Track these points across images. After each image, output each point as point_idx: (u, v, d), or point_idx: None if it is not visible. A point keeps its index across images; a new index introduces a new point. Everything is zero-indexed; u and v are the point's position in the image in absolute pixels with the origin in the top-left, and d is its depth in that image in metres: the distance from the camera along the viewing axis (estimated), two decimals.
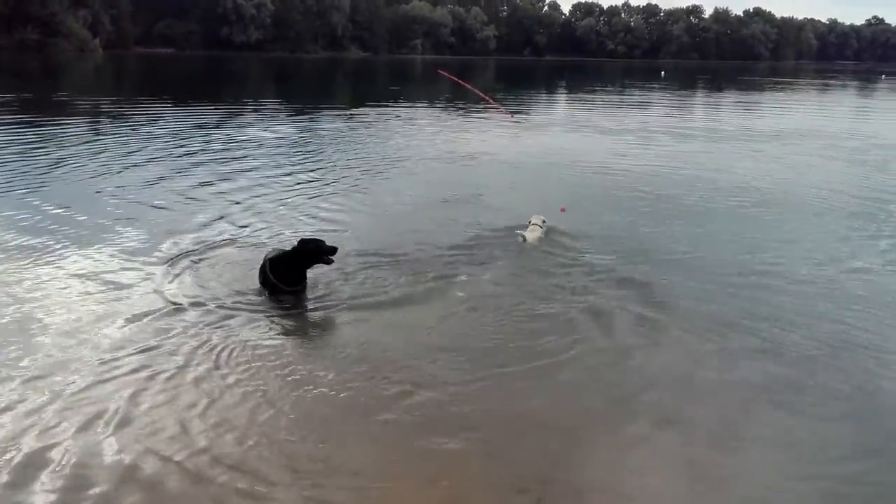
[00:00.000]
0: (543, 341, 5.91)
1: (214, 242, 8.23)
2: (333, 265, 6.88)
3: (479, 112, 24.43)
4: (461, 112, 25.50)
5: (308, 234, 7.30)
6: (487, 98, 21.23)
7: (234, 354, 5.49)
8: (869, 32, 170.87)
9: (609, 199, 11.33)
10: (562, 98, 40.33)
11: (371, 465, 4.30)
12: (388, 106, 26.89)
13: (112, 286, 6.78)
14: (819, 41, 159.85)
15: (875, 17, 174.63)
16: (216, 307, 6.36)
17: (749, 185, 12.81)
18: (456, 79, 22.11)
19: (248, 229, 8.92)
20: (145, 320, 6.02)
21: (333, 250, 6.70)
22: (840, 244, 9.03)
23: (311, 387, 5.09)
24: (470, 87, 21.54)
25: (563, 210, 9.69)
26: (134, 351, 5.46)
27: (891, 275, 7.91)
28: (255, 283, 6.85)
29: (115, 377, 5.07)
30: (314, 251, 6.64)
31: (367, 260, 7.69)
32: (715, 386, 5.35)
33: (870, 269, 8.05)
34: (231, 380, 5.14)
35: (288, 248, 6.89)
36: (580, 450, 4.53)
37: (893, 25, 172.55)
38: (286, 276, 6.62)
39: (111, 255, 7.68)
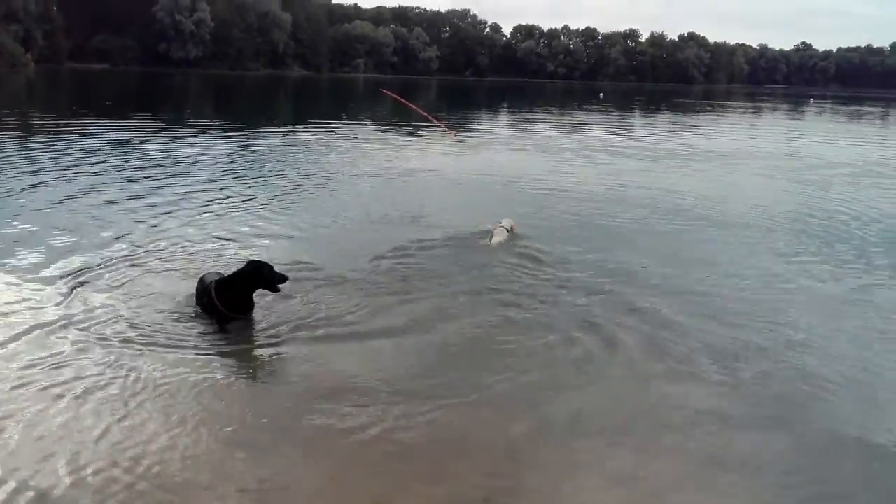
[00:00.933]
0: (493, 363, 5.87)
1: (111, 262, 7.85)
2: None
3: (422, 131, 24.46)
4: (404, 131, 25.50)
5: (236, 255, 7.09)
6: (431, 117, 21.31)
7: (131, 380, 5.23)
8: (797, 58, 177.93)
9: (551, 216, 11.41)
10: (504, 118, 40.77)
11: (309, 487, 4.20)
12: (329, 124, 26.68)
13: None
14: (750, 66, 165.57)
15: (803, 43, 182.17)
16: (111, 333, 5.99)
17: (690, 202, 13.07)
18: (399, 98, 22.15)
19: (154, 249, 8.48)
20: (28, 338, 5.75)
21: (284, 278, 6.27)
22: (785, 261, 9.27)
23: (230, 417, 4.96)
24: (413, 105, 21.61)
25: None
26: (17, 368, 5.26)
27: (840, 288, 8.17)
28: (156, 304, 6.58)
29: None
30: (268, 277, 6.18)
31: (304, 281, 7.43)
32: (660, 403, 5.38)
33: (810, 286, 8.28)
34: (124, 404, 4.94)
35: (206, 269, 6.66)
36: (525, 469, 4.49)
37: (821, 51, 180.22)
38: (235, 302, 6.16)
39: (1, 275, 7.34)
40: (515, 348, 6.15)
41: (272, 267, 6.30)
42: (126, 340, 5.83)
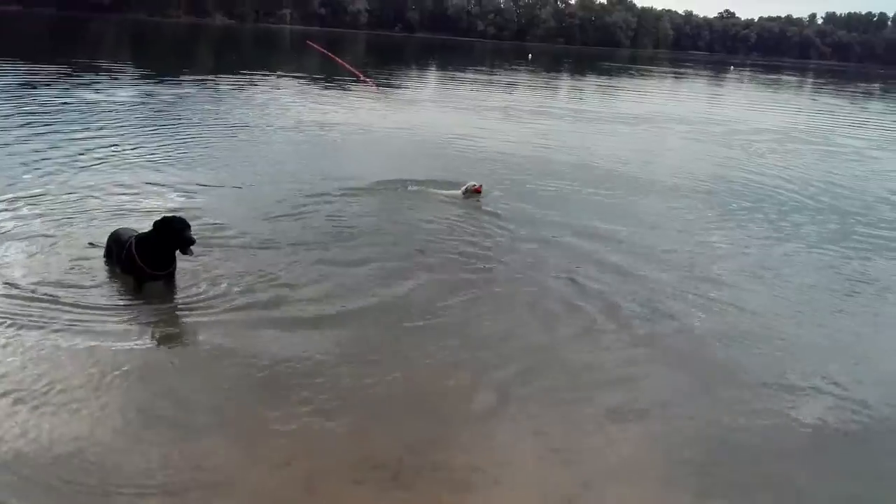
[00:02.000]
0: (412, 322, 5.82)
1: None
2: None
3: (347, 86, 23.91)
4: (329, 85, 24.89)
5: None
6: (355, 70, 20.79)
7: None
8: (720, 25, 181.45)
9: (478, 173, 11.31)
10: (433, 75, 40.28)
11: (220, 449, 4.07)
12: (249, 76, 25.73)
13: None
14: (675, 31, 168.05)
15: (727, 11, 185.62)
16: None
17: (617, 165, 13.22)
18: (325, 51, 21.49)
19: (40, 202, 7.95)
20: None
21: (191, 241, 5.80)
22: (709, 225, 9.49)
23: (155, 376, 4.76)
24: (339, 60, 21.02)
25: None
26: None
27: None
28: (56, 263, 6.22)
29: None
30: (180, 232, 5.73)
31: (223, 239, 7.18)
32: (568, 361, 5.44)
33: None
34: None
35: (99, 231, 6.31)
36: (439, 427, 4.48)
37: (743, 19, 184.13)
38: (155, 259, 5.80)
39: None
40: (444, 307, 6.11)
41: (188, 226, 5.87)
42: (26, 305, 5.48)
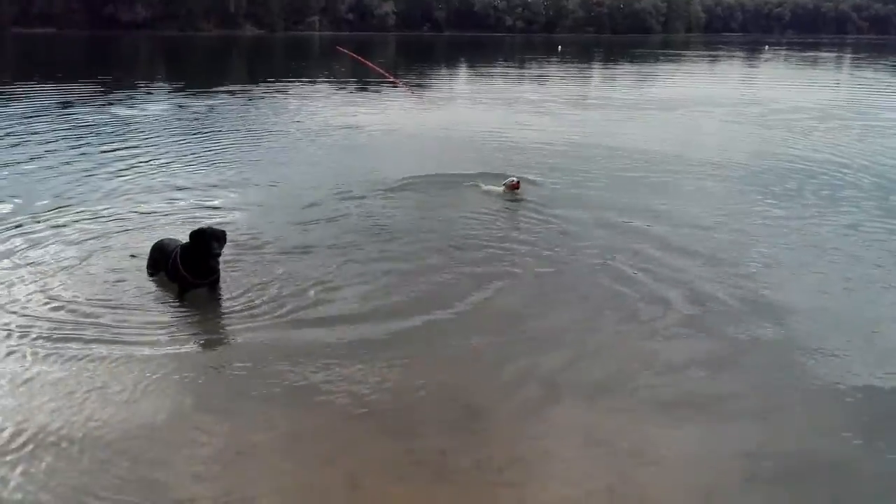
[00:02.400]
0: (455, 316, 5.82)
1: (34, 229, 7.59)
2: (229, 259, 6.35)
3: (379, 89, 24.00)
4: (361, 89, 25.03)
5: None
6: (387, 73, 20.86)
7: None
8: (753, 4, 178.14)
9: (516, 166, 11.26)
10: (463, 73, 40.23)
11: (264, 447, 4.13)
12: (281, 83, 25.98)
13: None
14: (707, 14, 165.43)
15: None
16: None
17: (653, 149, 13.05)
18: (355, 55, 21.60)
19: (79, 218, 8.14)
20: None
21: (215, 254, 5.90)
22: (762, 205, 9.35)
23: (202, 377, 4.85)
24: (369, 63, 21.10)
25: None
26: None
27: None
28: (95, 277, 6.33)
29: None
30: (208, 243, 5.82)
31: (266, 247, 7.25)
32: (614, 351, 5.39)
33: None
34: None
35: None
36: (479, 420, 4.47)
37: None
38: (196, 268, 5.92)
39: None
40: (489, 301, 6.13)
41: (220, 237, 5.96)
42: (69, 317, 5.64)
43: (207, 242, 5.86)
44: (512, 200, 8.94)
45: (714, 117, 18.66)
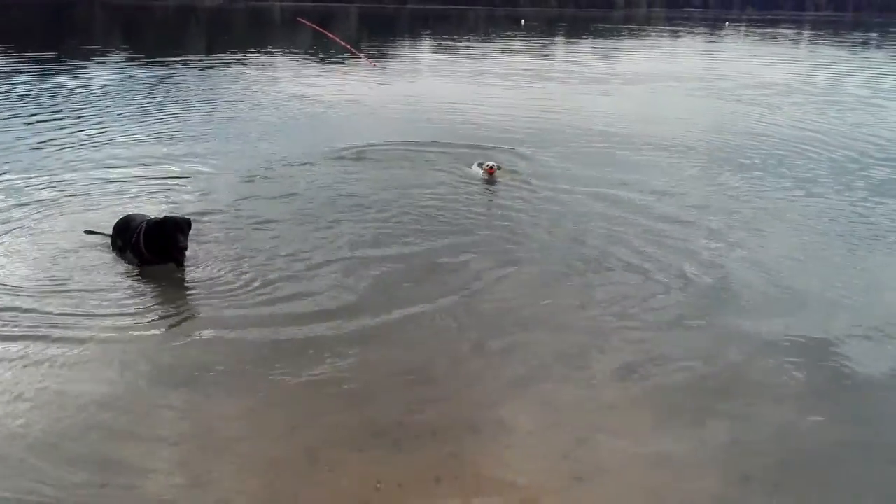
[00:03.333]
0: (402, 292, 5.79)
1: None
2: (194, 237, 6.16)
3: (341, 61, 23.69)
4: (323, 61, 24.65)
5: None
6: (348, 46, 20.54)
7: None
8: None
9: (478, 137, 11.22)
10: (426, 45, 39.86)
11: (222, 421, 4.11)
12: (239, 54, 25.43)
13: None
14: None
15: None
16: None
17: (623, 124, 13.08)
18: (316, 27, 21.22)
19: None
20: None
21: (181, 248, 5.82)
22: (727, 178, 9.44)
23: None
24: (331, 35, 20.73)
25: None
26: None
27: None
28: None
29: None
30: (171, 236, 5.76)
31: (223, 226, 7.05)
32: (573, 325, 5.41)
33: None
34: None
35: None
36: (437, 392, 4.50)
37: None
38: (157, 249, 5.86)
39: None
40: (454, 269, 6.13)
41: (184, 228, 5.86)
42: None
43: (172, 235, 5.76)
44: (488, 183, 8.72)
45: (684, 92, 18.73)
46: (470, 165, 9.13)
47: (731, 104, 16.19)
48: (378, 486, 3.60)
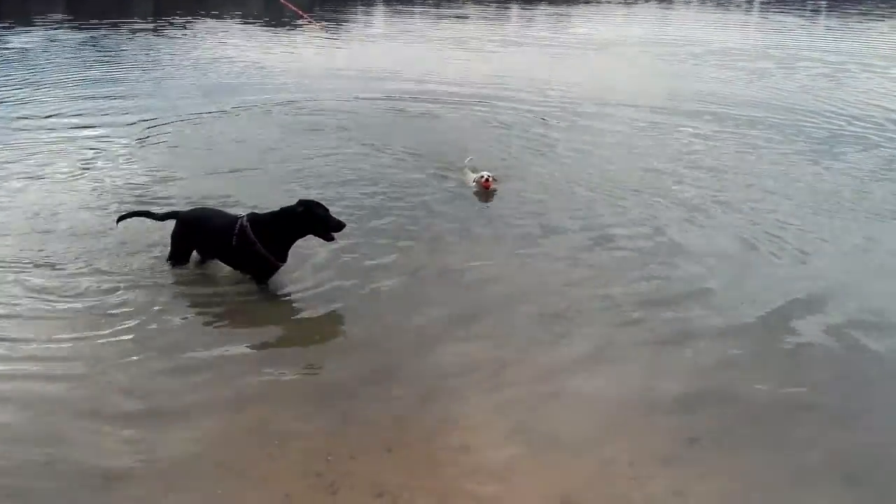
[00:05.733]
0: (374, 263, 5.76)
1: None
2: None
3: (290, 26, 23.10)
4: (272, 26, 24.01)
5: None
6: (297, 10, 20.01)
7: None
8: None
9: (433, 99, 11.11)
10: (380, 10, 39.12)
11: (165, 396, 4.08)
12: (187, 18, 24.49)
13: None
14: None
15: None
16: None
17: (591, 90, 12.94)
18: None
19: None
20: None
21: (341, 225, 5.07)
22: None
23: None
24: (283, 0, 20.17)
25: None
26: None
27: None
28: None
29: None
30: (321, 218, 5.01)
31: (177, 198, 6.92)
32: (527, 294, 5.44)
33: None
34: None
35: None
36: (389, 362, 4.50)
37: None
38: (278, 248, 5.11)
39: None
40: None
41: (327, 209, 5.14)
42: None
43: (324, 216, 5.03)
44: (482, 196, 7.45)
45: (647, 57, 18.24)
46: (462, 169, 7.89)
47: (709, 70, 15.79)
48: (329, 458, 3.58)
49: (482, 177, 7.28)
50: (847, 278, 5.74)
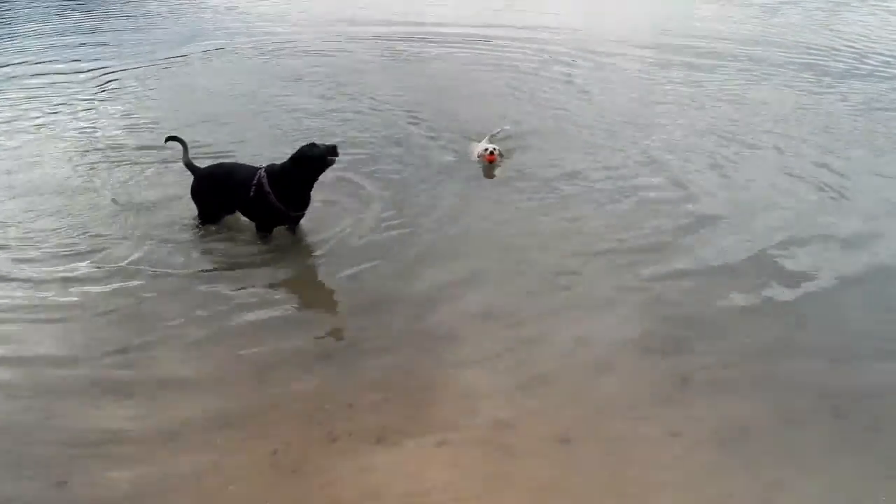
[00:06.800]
0: (373, 223, 5.62)
1: None
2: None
3: None
4: None
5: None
6: None
7: None
8: None
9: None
10: None
11: (174, 343, 4.13)
12: None
13: None
14: None
15: None
16: None
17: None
18: None
19: None
20: None
21: (333, 149, 4.99)
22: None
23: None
24: None
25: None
26: None
27: None
28: None
29: None
30: (320, 157, 4.94)
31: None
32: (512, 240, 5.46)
33: None
34: None
35: None
36: (384, 311, 4.49)
37: None
38: (293, 197, 5.11)
39: None
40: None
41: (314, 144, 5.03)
42: None
43: (322, 159, 4.97)
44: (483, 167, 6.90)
45: None
46: (480, 139, 7.15)
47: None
48: (326, 407, 3.61)
49: (489, 151, 6.73)
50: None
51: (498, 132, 7.15)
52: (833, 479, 3.25)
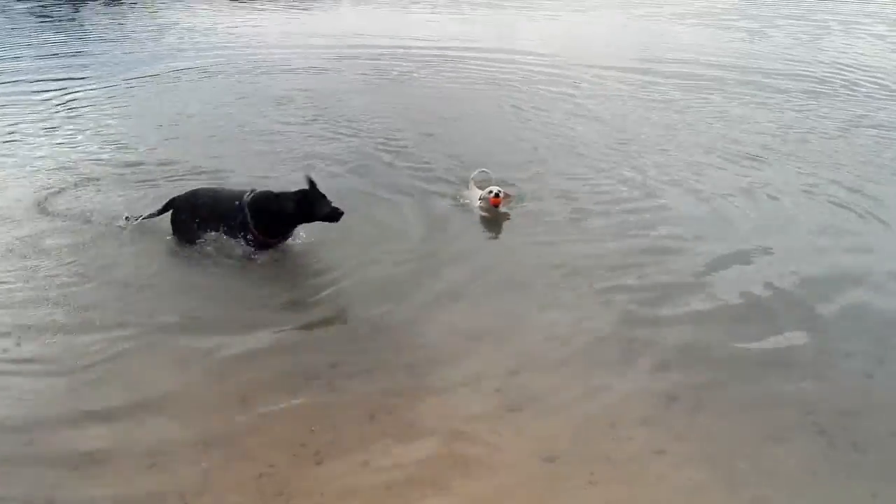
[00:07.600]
0: (361, 243, 5.65)
1: None
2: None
3: None
4: None
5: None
6: None
7: None
8: None
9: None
10: None
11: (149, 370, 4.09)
12: None
13: None
14: None
15: None
16: None
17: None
18: None
19: None
20: None
21: (336, 214, 5.12)
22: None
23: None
24: None
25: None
26: None
27: None
28: None
29: None
30: (329, 215, 5.08)
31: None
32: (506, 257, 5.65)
33: None
34: None
35: None
36: (370, 332, 4.51)
37: None
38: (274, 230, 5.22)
39: None
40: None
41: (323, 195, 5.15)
42: None
43: (319, 201, 5.07)
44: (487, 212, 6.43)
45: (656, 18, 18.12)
46: (467, 184, 6.75)
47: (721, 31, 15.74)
48: (313, 429, 3.60)
49: (491, 192, 6.24)
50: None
51: (476, 173, 6.71)
52: (817, 498, 3.26)
